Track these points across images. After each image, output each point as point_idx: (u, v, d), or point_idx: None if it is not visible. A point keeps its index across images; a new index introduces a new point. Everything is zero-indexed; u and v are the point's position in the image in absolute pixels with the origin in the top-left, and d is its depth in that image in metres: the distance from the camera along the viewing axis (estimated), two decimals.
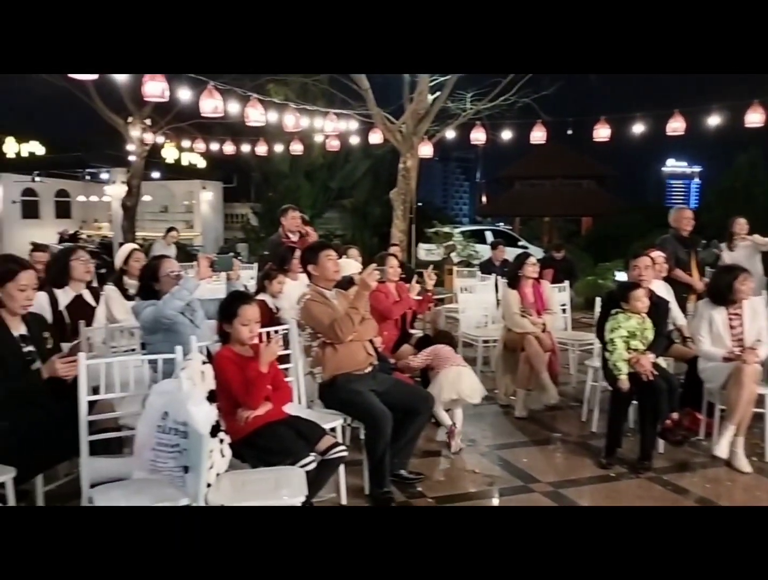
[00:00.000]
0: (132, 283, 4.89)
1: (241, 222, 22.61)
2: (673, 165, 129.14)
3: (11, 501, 2.56)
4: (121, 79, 8.97)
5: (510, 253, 8.07)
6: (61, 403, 2.90)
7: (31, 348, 2.99)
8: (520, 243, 17.39)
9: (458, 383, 4.09)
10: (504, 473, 3.87)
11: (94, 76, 4.35)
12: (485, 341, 5.91)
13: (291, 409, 3.23)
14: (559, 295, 6.03)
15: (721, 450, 3.84)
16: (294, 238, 5.49)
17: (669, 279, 4.97)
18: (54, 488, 3.08)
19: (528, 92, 10.58)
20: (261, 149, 12.71)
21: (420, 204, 12.01)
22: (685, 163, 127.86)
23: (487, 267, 8.33)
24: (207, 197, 22.18)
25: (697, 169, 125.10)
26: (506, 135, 9.98)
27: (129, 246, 5.12)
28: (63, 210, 21.61)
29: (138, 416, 3.03)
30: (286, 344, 3.58)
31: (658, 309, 4.15)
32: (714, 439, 4.02)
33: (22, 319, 3.04)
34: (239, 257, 16.87)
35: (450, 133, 10.87)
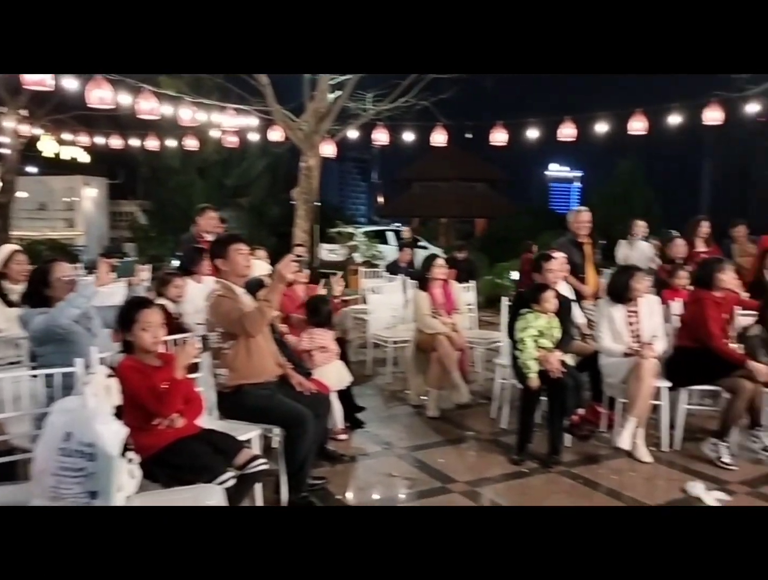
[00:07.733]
0: (13, 288, 4.45)
1: (128, 220, 21.41)
2: (555, 169, 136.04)
3: None
4: None
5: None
6: None
7: None
8: (420, 244, 17.57)
9: (327, 375, 4.08)
10: (422, 475, 3.85)
11: None
12: (395, 342, 5.90)
13: (202, 421, 3.04)
14: (465, 295, 6.13)
15: (624, 442, 4.03)
16: (209, 238, 5.18)
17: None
18: None
19: (427, 95, 10.74)
20: (152, 144, 12.05)
21: (319, 204, 11.86)
22: (567, 168, 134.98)
23: (393, 268, 8.39)
24: (90, 194, 20.88)
25: (578, 173, 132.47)
26: (407, 137, 10.09)
27: (9, 247, 4.64)
28: None
29: (31, 437, 2.75)
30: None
31: (563, 308, 4.29)
32: (615, 431, 4.22)
33: None
34: (128, 258, 15.94)
35: (352, 133, 10.80)
